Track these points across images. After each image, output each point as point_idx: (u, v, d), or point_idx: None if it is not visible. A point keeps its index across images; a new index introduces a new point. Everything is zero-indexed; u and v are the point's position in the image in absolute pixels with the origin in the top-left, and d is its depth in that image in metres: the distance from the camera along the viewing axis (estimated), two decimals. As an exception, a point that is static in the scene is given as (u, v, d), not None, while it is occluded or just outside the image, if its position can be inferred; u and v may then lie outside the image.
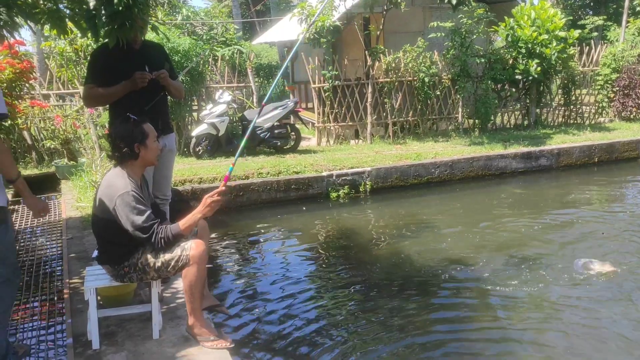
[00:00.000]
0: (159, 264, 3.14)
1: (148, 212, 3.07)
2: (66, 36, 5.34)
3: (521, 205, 7.56)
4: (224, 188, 3.20)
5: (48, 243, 5.24)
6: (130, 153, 3.16)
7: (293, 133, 9.64)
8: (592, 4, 26.95)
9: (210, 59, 10.00)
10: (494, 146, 9.47)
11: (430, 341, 3.86)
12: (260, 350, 3.74)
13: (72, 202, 6.68)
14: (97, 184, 6.47)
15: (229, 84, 10.26)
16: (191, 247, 3.12)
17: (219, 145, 9.20)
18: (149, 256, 3.15)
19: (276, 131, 9.36)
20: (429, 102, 10.60)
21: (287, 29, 14.93)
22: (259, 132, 9.19)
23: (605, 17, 24.24)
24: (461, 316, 4.27)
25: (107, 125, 8.17)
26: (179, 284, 4.03)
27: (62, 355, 3.16)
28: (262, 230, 6.90)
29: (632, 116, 11.82)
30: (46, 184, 7.90)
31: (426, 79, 10.30)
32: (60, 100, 9.63)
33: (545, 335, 3.88)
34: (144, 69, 3.93)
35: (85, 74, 8.94)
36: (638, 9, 12.88)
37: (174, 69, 4.42)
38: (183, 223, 3.13)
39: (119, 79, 3.85)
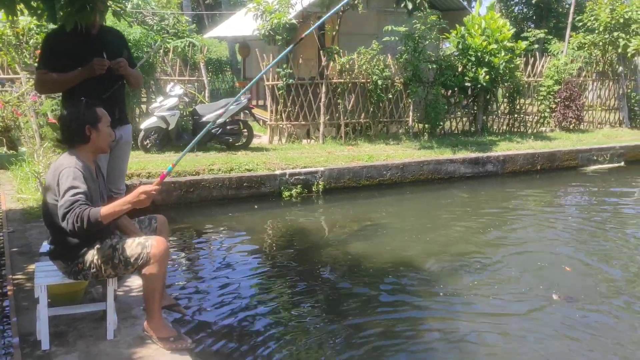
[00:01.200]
0: (116, 260, 2.97)
1: (81, 189, 2.81)
2: (10, 18, 5.03)
3: (469, 210, 7.73)
4: (158, 187, 2.90)
5: (-14, 236, 4.92)
6: (81, 136, 3.00)
7: (245, 130, 9.50)
8: (534, 17, 28.02)
9: (161, 51, 9.71)
10: (443, 151, 9.67)
11: (374, 344, 3.86)
12: (219, 350, 3.64)
13: (12, 193, 6.32)
14: (39, 174, 6.16)
15: (180, 77, 10.00)
16: (152, 245, 2.98)
17: (169, 139, 8.95)
18: (105, 252, 2.98)
19: (228, 127, 9.19)
20: (381, 104, 10.69)
21: (239, 25, 14.74)
22: (210, 127, 8.99)
23: (546, 30, 25.24)
24: (407, 317, 4.30)
25: (49, 114, 7.85)
26: (133, 282, 3.88)
27: (7, 356, 2.96)
28: (213, 229, 6.76)
29: (571, 127, 12.34)
30: (-18, 174, 7.45)
31: (379, 82, 10.38)
32: (0, 86, 9.11)
33: (485, 336, 3.96)
34: (102, 55, 3.74)
35: (35, 59, 8.53)
36: (579, 24, 13.45)
37: (132, 57, 4.24)
38: (105, 210, 2.79)
39: (74, 65, 3.65)
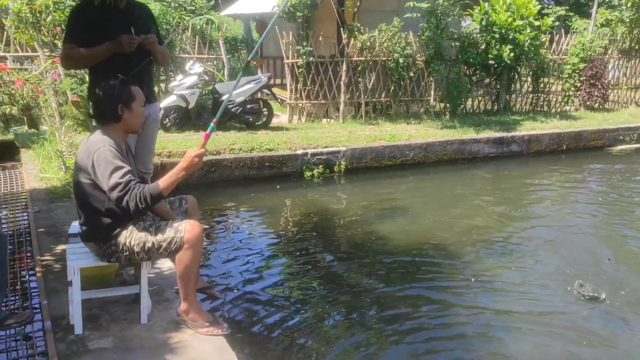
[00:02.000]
0: (149, 244, 2.87)
1: (126, 169, 2.76)
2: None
3: (494, 191, 7.58)
4: (204, 148, 2.89)
5: (11, 216, 4.87)
6: (113, 114, 2.90)
7: (265, 109, 9.36)
8: (554, -7, 27.37)
9: (179, 28, 9.56)
10: (466, 130, 9.47)
11: (407, 327, 3.79)
12: (255, 336, 3.56)
13: (34, 172, 6.26)
14: (62, 153, 6.09)
15: (199, 55, 9.84)
16: (186, 229, 2.86)
17: (188, 118, 8.85)
18: (138, 236, 2.89)
19: (248, 106, 9.06)
20: (402, 83, 10.48)
21: (254, 2, 14.50)
22: (230, 106, 8.87)
23: (567, 7, 24.67)
24: (436, 299, 4.23)
25: (68, 93, 7.76)
26: (164, 264, 3.80)
27: (40, 339, 2.90)
28: (235, 209, 6.68)
29: (596, 106, 12.05)
30: (4, 152, 7.40)
31: (401, 60, 10.16)
32: (18, 64, 9.02)
33: (515, 319, 3.84)
34: (129, 30, 3.61)
35: (54, 36, 8.41)
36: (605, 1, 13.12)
37: (160, 33, 4.11)
38: (163, 181, 2.78)
39: (102, 39, 3.51)
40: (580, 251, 5.19)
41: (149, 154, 3.98)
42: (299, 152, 7.87)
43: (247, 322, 3.76)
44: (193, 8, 11.08)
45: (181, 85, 8.63)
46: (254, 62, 14.72)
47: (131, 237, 2.89)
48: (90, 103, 2.98)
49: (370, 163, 8.25)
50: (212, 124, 2.92)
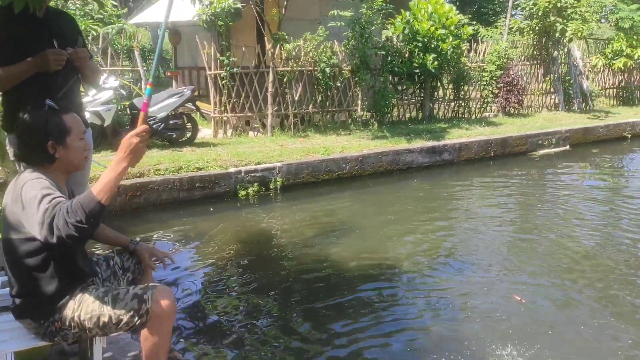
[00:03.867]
0: (105, 319, 2.27)
1: (57, 195, 2.13)
2: None
3: (431, 201, 7.44)
4: (145, 126, 2.16)
5: None
6: (43, 155, 2.29)
7: (189, 124, 8.73)
8: (457, 3, 28.43)
9: (89, 38, 8.72)
10: (398, 140, 9.34)
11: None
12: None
13: None
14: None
15: (113, 67, 9.03)
16: (154, 299, 2.30)
17: (104, 137, 8.03)
18: (91, 306, 2.29)
19: (171, 122, 8.39)
20: (329, 93, 10.21)
21: (162, 11, 13.71)
22: (151, 122, 8.15)
23: (470, 15, 25.67)
24: (386, 317, 4.05)
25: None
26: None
27: None
28: (166, 237, 6.03)
29: (513, 111, 12.41)
30: None
31: (327, 70, 9.89)
32: None
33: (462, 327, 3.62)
34: (52, 44, 3.00)
35: None
36: (517, 10, 13.61)
37: (87, 46, 3.50)
38: (97, 184, 2.07)
39: (20, 56, 2.89)
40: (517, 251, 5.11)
41: (82, 189, 3.35)
42: (232, 170, 7.35)
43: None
44: (101, 16, 10.21)
45: (95, 102, 7.82)
46: (168, 73, 13.93)
47: (80, 309, 2.29)
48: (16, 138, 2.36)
49: (307, 178, 7.87)
50: (148, 87, 2.29)
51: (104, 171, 2.11)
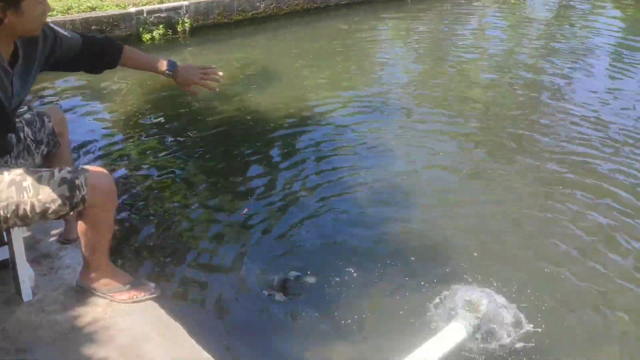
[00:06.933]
0: (27, 206, 1.83)
1: None
2: None
3: (352, 44, 7.08)
4: None
5: None
6: None
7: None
8: None
9: None
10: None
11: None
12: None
13: None
14: None
15: None
16: (89, 184, 1.87)
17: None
18: (5, 192, 1.81)
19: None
20: None
21: None
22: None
23: None
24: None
25: None
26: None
27: None
28: (65, 93, 5.26)
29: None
30: None
31: None
32: None
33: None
34: None
35: None
36: None
37: None
38: None
39: None
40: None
41: None
42: (132, 10, 6.44)
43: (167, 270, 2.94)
44: None
45: None
46: None
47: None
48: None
49: (218, 19, 7.11)
50: None
51: None
